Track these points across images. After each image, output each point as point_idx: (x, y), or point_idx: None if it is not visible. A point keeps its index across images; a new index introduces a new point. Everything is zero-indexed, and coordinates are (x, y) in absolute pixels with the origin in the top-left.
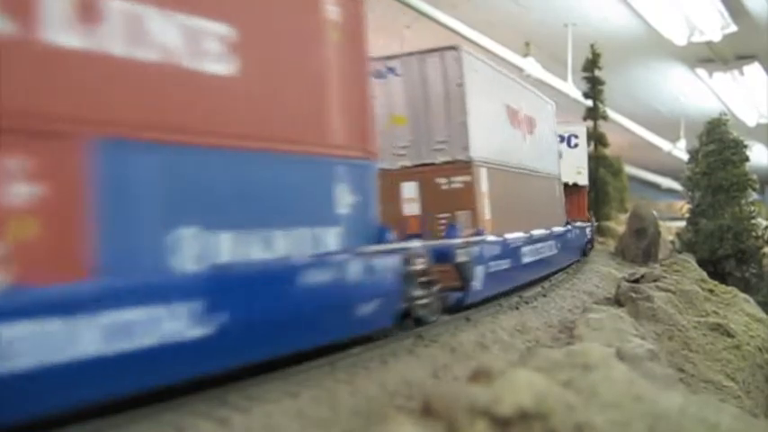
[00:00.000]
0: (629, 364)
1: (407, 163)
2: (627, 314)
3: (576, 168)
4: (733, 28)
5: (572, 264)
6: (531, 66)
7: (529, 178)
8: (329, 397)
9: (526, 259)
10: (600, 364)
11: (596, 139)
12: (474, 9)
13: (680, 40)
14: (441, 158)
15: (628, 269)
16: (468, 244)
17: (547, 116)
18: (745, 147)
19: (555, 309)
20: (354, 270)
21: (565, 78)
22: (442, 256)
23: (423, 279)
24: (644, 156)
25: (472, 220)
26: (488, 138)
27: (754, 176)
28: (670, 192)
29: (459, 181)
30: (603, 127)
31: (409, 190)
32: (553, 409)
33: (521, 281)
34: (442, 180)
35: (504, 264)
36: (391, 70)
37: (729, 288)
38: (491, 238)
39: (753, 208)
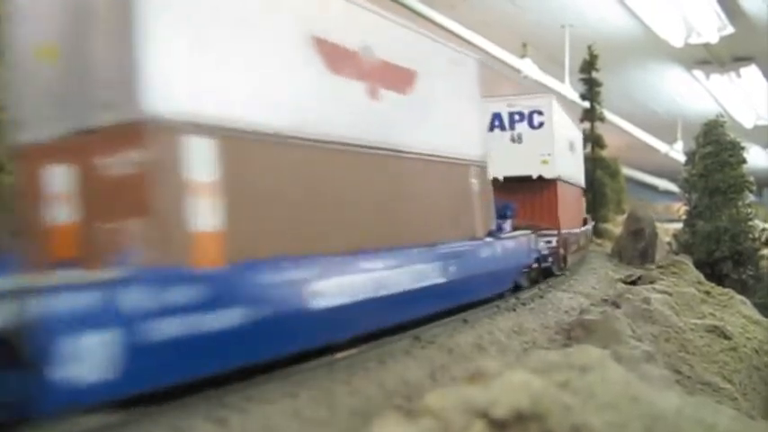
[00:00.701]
0: (626, 365)
1: (56, 131)
2: (623, 316)
3: (540, 156)
4: (730, 30)
5: (493, 297)
6: (529, 67)
7: (384, 161)
8: (327, 397)
9: (329, 302)
10: (596, 365)
11: (594, 140)
12: (471, 10)
13: (677, 41)
14: (104, 120)
15: (625, 271)
16: (24, 292)
17: (454, 74)
18: (743, 149)
19: (552, 310)
20: None
21: (562, 80)
22: None
23: None
24: (641, 157)
25: (151, 236)
26: (228, 83)
27: (751, 178)
28: (668, 193)
29: (127, 162)
30: (601, 129)
31: (58, 180)
32: (550, 410)
33: (311, 341)
34: (107, 160)
35: (223, 319)
36: None
37: (726, 290)
38: (159, 270)
39: (750, 210)
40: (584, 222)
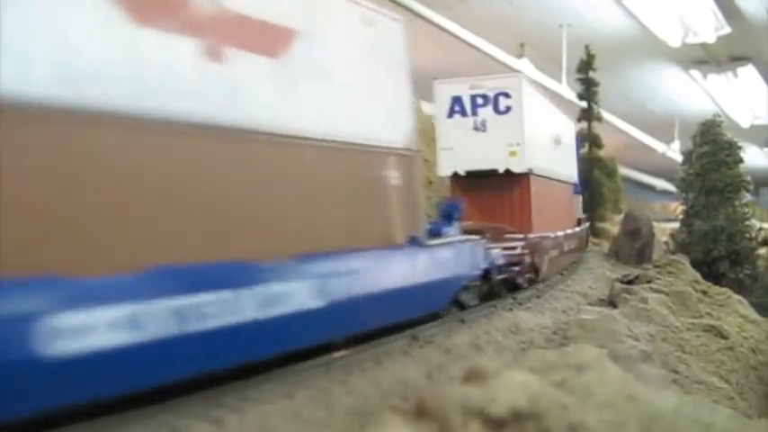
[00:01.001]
0: (623, 365)
1: None
2: (620, 315)
3: (508, 146)
4: (727, 29)
5: (422, 319)
6: (526, 67)
7: (230, 145)
8: (324, 397)
9: (90, 343)
10: (593, 364)
11: (591, 140)
12: (468, 10)
13: (674, 41)
14: None
15: (622, 270)
16: None
17: (366, 37)
18: (739, 148)
19: (549, 310)
20: None
21: (559, 80)
22: None
23: None
24: (638, 157)
25: None
26: None
27: (748, 178)
28: (665, 193)
29: None
30: (598, 128)
31: None
32: (547, 409)
33: (55, 400)
34: None
35: None
36: None
37: (723, 289)
38: None
39: (746, 209)
40: (578, 223)
